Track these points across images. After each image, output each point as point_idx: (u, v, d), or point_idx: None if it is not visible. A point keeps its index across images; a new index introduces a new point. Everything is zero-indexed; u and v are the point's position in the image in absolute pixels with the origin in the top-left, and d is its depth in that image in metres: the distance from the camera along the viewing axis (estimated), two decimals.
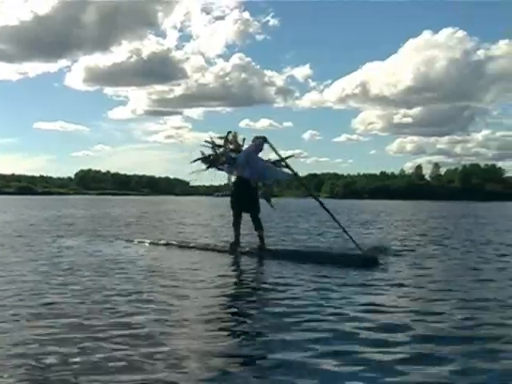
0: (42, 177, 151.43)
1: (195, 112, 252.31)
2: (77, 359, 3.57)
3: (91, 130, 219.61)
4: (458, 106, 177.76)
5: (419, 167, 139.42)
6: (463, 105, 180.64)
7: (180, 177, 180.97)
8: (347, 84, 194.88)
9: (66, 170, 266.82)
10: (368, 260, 7.89)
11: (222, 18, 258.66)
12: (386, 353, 3.78)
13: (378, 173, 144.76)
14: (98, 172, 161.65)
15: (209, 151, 9.79)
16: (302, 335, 4.16)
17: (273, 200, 9.64)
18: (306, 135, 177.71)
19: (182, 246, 10.07)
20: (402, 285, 6.31)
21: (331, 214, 8.86)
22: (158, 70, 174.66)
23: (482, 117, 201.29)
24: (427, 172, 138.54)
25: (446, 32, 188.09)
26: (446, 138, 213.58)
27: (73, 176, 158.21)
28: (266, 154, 9.42)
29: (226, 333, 4.29)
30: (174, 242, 10.47)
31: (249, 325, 4.62)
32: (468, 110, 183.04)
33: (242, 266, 8.16)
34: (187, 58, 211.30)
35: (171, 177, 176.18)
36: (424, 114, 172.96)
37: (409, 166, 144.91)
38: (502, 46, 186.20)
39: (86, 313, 4.78)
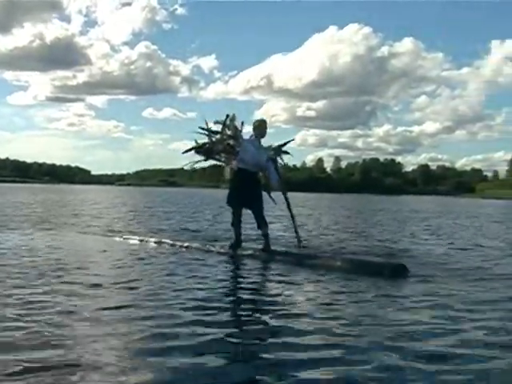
0: None
1: (98, 99, 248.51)
2: None
3: None
4: (360, 101, 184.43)
5: (320, 160, 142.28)
6: (366, 100, 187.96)
7: (81, 165, 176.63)
8: (252, 76, 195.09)
9: None
10: (397, 269, 6.72)
11: (129, 4, 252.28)
12: None
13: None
14: None
15: (203, 139, 8.63)
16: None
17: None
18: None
19: (175, 245, 8.84)
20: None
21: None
22: (62, 55, 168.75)
23: (384, 112, 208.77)
24: (328, 165, 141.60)
25: (351, 28, 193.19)
26: (348, 132, 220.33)
27: None
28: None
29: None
30: (166, 240, 9.22)
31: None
32: (370, 105, 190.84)
33: (241, 271, 6.98)
34: (91, 45, 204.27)
35: (72, 165, 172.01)
36: (327, 107, 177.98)
37: (310, 159, 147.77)
38: (405, 43, 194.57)
39: None
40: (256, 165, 7.96)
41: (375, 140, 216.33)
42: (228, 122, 8.48)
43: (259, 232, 8.20)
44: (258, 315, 4.64)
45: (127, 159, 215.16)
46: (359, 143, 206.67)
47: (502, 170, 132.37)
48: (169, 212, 20.23)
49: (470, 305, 5.05)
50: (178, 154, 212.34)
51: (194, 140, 8.74)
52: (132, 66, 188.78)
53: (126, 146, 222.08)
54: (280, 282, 6.12)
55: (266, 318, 4.51)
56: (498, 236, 13.39)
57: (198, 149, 8.67)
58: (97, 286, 5.45)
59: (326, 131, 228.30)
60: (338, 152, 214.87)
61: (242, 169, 8.01)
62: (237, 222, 8.18)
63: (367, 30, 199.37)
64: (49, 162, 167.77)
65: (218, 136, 8.53)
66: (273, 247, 8.09)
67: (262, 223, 8.01)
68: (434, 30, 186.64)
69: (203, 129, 8.64)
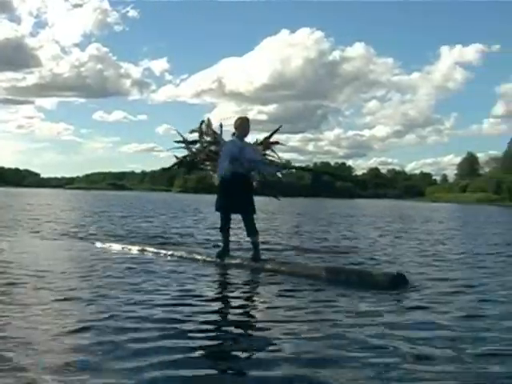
0: None
1: (48, 102, 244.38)
2: None
3: None
4: (312, 105, 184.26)
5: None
6: (317, 104, 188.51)
7: (31, 168, 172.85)
8: (203, 79, 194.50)
9: None
10: (397, 279, 6.38)
11: (80, 5, 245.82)
12: None
13: None
14: None
15: (183, 152, 8.44)
16: None
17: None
18: (161, 129, 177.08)
19: (158, 253, 8.63)
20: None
21: None
22: (11, 56, 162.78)
23: (335, 116, 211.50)
24: None
25: (303, 32, 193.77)
26: (299, 136, 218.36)
27: None
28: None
29: None
30: (149, 249, 8.97)
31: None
32: (321, 109, 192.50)
33: (228, 282, 6.73)
34: (41, 46, 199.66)
35: (21, 168, 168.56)
36: (278, 111, 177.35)
37: None
38: (356, 48, 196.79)
39: None
40: (240, 163, 7.58)
41: (326, 144, 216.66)
42: (205, 129, 8.25)
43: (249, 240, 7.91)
44: (240, 332, 4.43)
45: (77, 162, 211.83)
46: (310, 147, 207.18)
47: (451, 173, 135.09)
48: (127, 216, 19.99)
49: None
50: (127, 156, 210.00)
51: (174, 156, 8.50)
52: (82, 68, 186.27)
53: (76, 148, 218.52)
54: (268, 293, 5.95)
55: (246, 336, 4.35)
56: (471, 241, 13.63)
57: (180, 163, 8.46)
58: (62, 299, 5.19)
59: (276, 135, 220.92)
60: (288, 156, 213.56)
61: (233, 172, 7.56)
62: (225, 229, 7.89)
63: (319, 34, 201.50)
64: None
65: (198, 145, 8.31)
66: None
67: (251, 231, 7.71)
68: (385, 36, 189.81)
69: (179, 141, 8.39)
